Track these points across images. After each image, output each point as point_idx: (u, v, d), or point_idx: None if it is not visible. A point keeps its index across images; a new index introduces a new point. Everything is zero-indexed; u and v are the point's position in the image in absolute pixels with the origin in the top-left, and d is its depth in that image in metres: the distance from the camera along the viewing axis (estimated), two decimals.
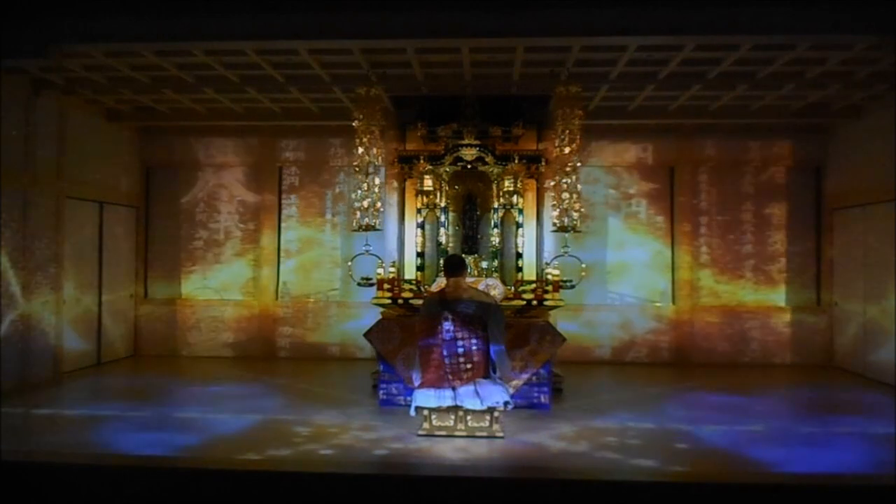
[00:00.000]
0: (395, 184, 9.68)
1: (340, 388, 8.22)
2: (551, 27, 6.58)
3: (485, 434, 6.02)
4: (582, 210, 7.90)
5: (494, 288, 7.99)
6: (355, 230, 8.06)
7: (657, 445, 5.90)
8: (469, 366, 5.92)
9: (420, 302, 6.90)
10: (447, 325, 5.92)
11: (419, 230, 8.88)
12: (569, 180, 7.72)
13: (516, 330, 6.76)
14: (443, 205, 8.84)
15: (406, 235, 9.07)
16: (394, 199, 9.76)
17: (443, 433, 6.04)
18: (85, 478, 4.95)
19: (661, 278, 10.47)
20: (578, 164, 7.84)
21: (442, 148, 8.68)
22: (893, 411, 7.03)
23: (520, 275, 8.55)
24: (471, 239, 8.96)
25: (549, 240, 9.37)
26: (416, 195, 8.88)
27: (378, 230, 8.30)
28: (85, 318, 9.52)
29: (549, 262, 8.29)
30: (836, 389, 8.63)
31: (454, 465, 5.36)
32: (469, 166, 8.74)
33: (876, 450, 5.87)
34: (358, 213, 7.95)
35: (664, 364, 10.19)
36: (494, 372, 6.00)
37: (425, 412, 6.06)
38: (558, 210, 7.79)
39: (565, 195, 7.72)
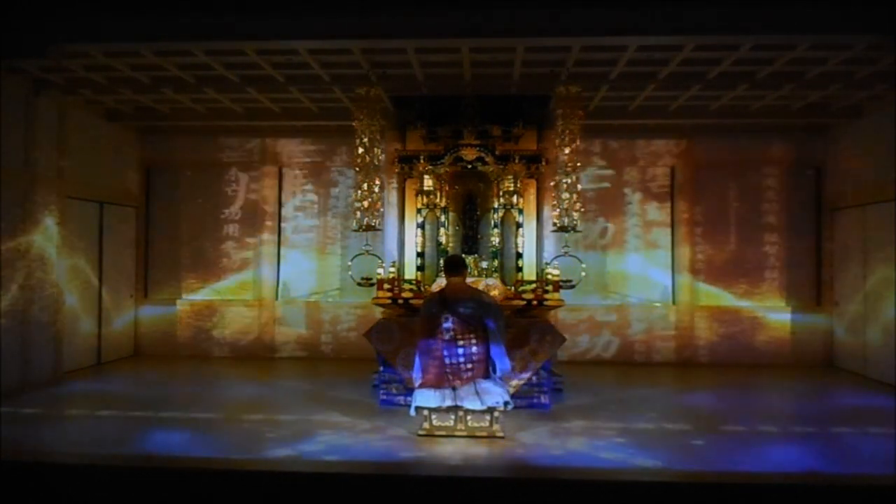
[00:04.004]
0: (395, 184, 9.68)
1: (340, 388, 8.22)
2: (551, 27, 6.58)
3: (485, 434, 6.02)
4: (582, 210, 7.90)
5: (494, 288, 8.00)
6: (356, 230, 8.07)
7: (657, 445, 5.89)
8: (469, 366, 5.92)
9: (420, 302, 6.89)
10: (447, 326, 5.93)
11: (419, 230, 8.87)
12: (569, 180, 7.73)
13: (516, 330, 6.76)
14: (443, 205, 8.83)
15: (406, 235, 9.08)
16: (394, 199, 9.76)
17: (443, 433, 6.04)
18: (85, 478, 4.95)
19: (661, 278, 10.47)
20: (578, 164, 7.84)
21: (442, 148, 8.68)
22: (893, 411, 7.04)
23: (520, 275, 8.55)
24: (471, 239, 8.96)
25: (550, 240, 9.38)
26: (416, 195, 8.88)
27: (378, 230, 8.31)
28: (85, 317, 9.53)
29: (549, 262, 8.29)
30: (835, 390, 8.64)
31: (454, 465, 5.36)
32: (469, 166, 8.74)
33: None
34: (358, 213, 7.95)
35: (664, 364, 10.19)
36: (494, 372, 6.00)
37: (425, 412, 6.06)
38: (558, 210, 7.80)
39: (565, 195, 7.73)
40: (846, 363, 9.76)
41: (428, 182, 8.68)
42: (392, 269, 7.96)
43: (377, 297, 7.79)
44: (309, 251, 10.77)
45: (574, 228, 7.78)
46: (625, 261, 10.48)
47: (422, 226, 8.88)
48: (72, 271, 9.16)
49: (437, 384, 5.96)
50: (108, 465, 5.25)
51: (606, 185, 10.52)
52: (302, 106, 9.47)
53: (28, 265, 8.20)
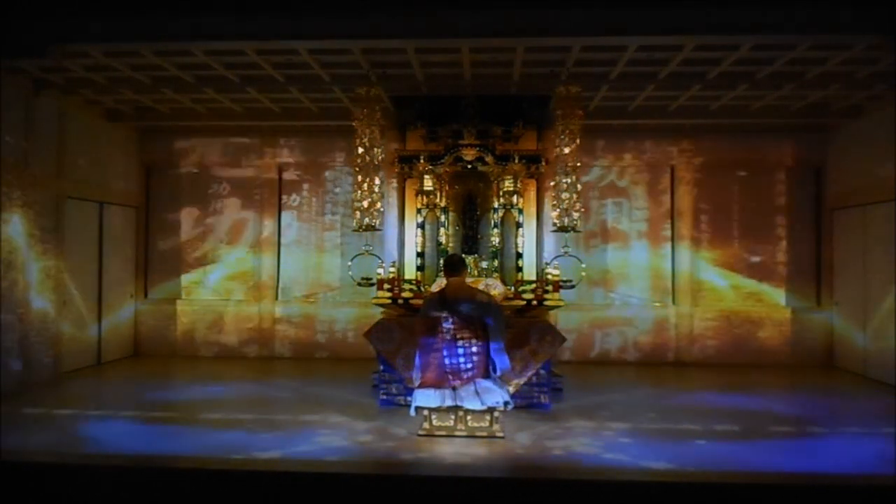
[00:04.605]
0: (395, 184, 9.69)
1: (340, 388, 8.21)
2: (551, 27, 6.59)
3: (485, 434, 6.02)
4: (582, 210, 7.90)
5: (494, 288, 8.00)
6: (355, 230, 8.07)
7: (657, 445, 5.89)
8: (469, 366, 5.92)
9: (420, 302, 6.89)
10: (447, 325, 5.92)
11: (419, 230, 8.87)
12: (569, 180, 7.73)
13: (516, 330, 6.76)
14: (443, 205, 8.84)
15: (406, 235, 9.08)
16: (394, 199, 9.76)
17: (443, 433, 6.04)
18: (85, 478, 4.95)
19: (661, 279, 10.46)
20: (578, 164, 7.84)
21: (442, 148, 8.69)
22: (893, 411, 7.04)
23: (520, 275, 8.56)
24: (471, 239, 8.96)
25: (550, 240, 9.37)
26: (416, 195, 8.88)
27: (378, 230, 8.31)
28: (85, 318, 9.52)
29: (549, 262, 8.29)
30: (835, 391, 8.63)
31: (454, 465, 5.36)
32: (469, 166, 8.75)
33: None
34: (358, 213, 7.95)
35: (664, 364, 10.19)
36: (495, 372, 6.00)
37: (425, 412, 6.06)
38: (558, 210, 7.80)
39: (565, 195, 7.73)
40: (846, 363, 9.76)
41: (428, 182, 8.69)
42: (392, 269, 7.96)
43: (377, 297, 7.79)
44: (308, 251, 10.76)
45: (574, 228, 7.78)
46: (625, 261, 10.48)
47: (422, 226, 8.88)
48: (71, 271, 9.15)
49: (437, 384, 5.96)
50: (108, 465, 5.24)
51: (606, 184, 10.54)
52: (302, 106, 9.47)
53: (26, 265, 8.19)
